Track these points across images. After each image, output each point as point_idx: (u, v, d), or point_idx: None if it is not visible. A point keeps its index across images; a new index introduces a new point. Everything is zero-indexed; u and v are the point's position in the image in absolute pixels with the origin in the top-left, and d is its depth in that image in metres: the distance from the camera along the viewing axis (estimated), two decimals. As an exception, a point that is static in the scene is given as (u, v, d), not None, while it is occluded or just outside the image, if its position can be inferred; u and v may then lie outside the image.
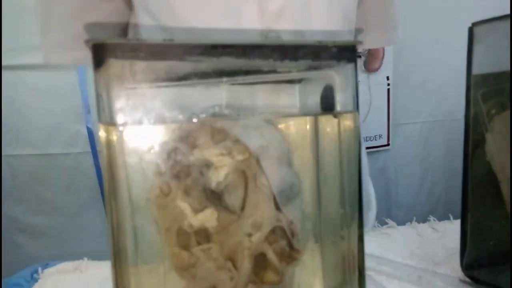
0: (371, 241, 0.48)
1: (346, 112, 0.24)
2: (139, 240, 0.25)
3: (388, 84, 1.62)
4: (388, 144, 1.68)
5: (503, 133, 0.32)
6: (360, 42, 0.24)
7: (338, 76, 0.24)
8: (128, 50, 0.20)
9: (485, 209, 0.35)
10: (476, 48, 0.34)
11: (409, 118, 1.64)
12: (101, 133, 0.20)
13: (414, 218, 0.53)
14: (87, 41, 0.19)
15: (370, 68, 1.57)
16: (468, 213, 0.36)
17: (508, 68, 0.32)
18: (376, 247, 0.45)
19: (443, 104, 1.55)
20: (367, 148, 1.63)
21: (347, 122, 0.25)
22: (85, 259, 0.44)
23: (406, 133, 1.66)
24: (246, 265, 0.26)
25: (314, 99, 0.26)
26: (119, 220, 0.24)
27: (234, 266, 0.26)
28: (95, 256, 0.45)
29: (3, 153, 1.24)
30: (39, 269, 0.42)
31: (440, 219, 0.53)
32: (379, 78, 1.60)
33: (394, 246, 0.45)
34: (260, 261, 0.26)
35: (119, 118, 0.20)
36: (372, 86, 1.60)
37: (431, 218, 0.53)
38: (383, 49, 1.56)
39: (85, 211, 1.30)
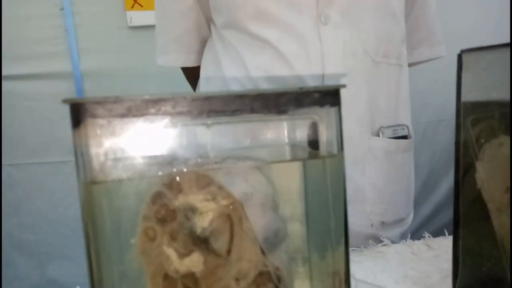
0: (366, 261, 0.47)
1: (331, 156, 0.24)
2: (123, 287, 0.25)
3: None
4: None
5: (492, 162, 0.32)
6: (344, 86, 0.23)
7: (321, 121, 0.24)
8: (106, 109, 0.19)
9: (476, 235, 0.35)
10: (465, 76, 0.33)
11: (412, 118, 1.63)
12: (80, 192, 0.20)
13: (409, 236, 0.53)
14: (64, 101, 0.19)
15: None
16: (460, 237, 0.36)
17: (497, 97, 0.31)
18: (370, 267, 0.45)
19: (448, 103, 1.53)
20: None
21: (333, 164, 0.25)
22: (78, 287, 0.44)
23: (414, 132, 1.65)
24: (234, 308, 0.25)
25: (303, 141, 0.26)
26: (101, 272, 0.23)
27: (222, 310, 0.26)
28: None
29: (2, 163, 1.24)
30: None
31: (441, 227, 0.53)
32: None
33: (388, 268, 0.45)
34: (248, 304, 0.26)
35: (98, 176, 0.20)
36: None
37: (426, 234, 0.53)
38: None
39: (81, 230, 1.29)
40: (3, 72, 1.20)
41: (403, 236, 0.60)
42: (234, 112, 0.22)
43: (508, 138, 0.31)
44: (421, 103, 1.59)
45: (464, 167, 0.35)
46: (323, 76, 0.51)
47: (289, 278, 0.26)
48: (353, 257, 0.49)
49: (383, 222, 0.56)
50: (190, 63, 0.65)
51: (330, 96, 0.23)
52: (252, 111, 0.22)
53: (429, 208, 1.64)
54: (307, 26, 0.51)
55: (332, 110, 0.23)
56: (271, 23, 0.52)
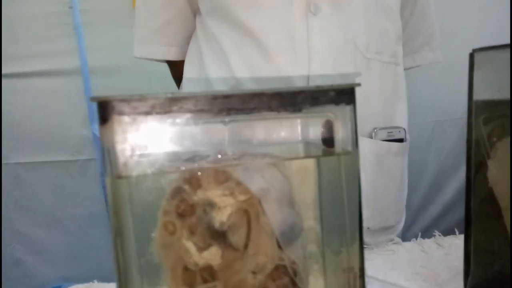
0: (376, 258, 0.48)
1: (346, 153, 0.25)
2: (146, 278, 0.26)
3: (400, 82, 1.61)
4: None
5: (504, 161, 0.33)
6: (359, 84, 0.24)
7: (337, 118, 0.25)
8: (131, 106, 0.20)
9: (488, 233, 0.35)
10: (477, 74, 0.34)
11: (421, 117, 1.61)
12: (108, 185, 0.21)
13: (420, 234, 0.54)
14: (92, 99, 0.20)
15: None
16: (471, 236, 0.36)
17: (508, 96, 0.32)
18: (380, 265, 0.46)
19: (457, 102, 1.48)
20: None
21: (348, 161, 0.25)
22: (95, 281, 0.45)
23: (419, 133, 1.63)
24: (250, 301, 0.26)
25: (318, 138, 0.27)
26: (126, 261, 0.24)
27: (239, 302, 0.26)
28: (97, 276, 0.46)
29: (9, 161, 1.25)
30: (51, 293, 0.43)
31: (451, 226, 0.53)
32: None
33: (398, 265, 0.46)
34: (264, 298, 0.27)
35: (124, 171, 0.21)
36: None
37: (436, 233, 0.54)
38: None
39: (89, 227, 1.29)
40: (12, 70, 1.21)
41: None
42: (252, 110, 0.22)
43: (520, 137, 0.31)
44: (429, 102, 1.58)
45: (475, 165, 0.35)
46: (308, 77, 0.49)
47: (305, 272, 0.26)
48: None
49: (368, 228, 0.54)
50: (170, 56, 0.61)
51: (345, 95, 0.24)
52: (269, 109, 0.23)
53: (438, 208, 1.63)
54: (296, 15, 0.49)
55: (347, 108, 0.24)
56: (259, 10, 0.49)
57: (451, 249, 0.49)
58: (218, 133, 0.25)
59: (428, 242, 0.52)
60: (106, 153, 0.20)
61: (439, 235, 0.53)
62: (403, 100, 0.60)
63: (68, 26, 1.21)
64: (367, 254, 0.49)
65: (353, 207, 0.26)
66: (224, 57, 0.52)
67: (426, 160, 1.64)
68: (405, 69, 0.63)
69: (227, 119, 0.25)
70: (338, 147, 0.25)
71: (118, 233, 0.22)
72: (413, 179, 1.78)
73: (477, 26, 1.35)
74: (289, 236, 0.25)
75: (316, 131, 0.27)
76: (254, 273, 0.26)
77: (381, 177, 0.55)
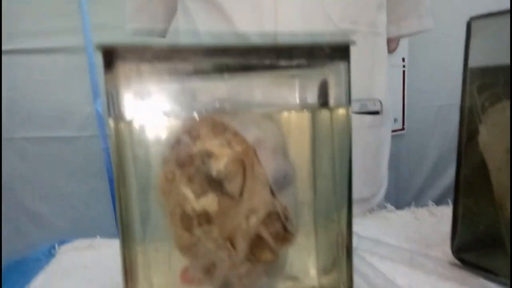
0: (369, 224, 0.50)
1: (339, 106, 0.26)
2: (146, 222, 0.28)
3: (404, 66, 1.59)
4: (403, 129, 1.66)
5: (495, 125, 0.34)
6: (354, 42, 0.25)
7: (331, 74, 0.26)
8: (135, 54, 0.21)
9: (476, 196, 0.36)
10: (473, 42, 0.34)
11: (425, 101, 1.61)
12: (110, 126, 0.22)
13: (413, 203, 0.55)
14: (97, 46, 0.21)
15: (388, 49, 1.53)
16: (460, 199, 0.38)
17: (504, 62, 0.32)
18: (373, 230, 0.47)
19: (460, 87, 1.49)
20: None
21: (340, 116, 0.27)
22: (98, 237, 0.47)
23: (422, 117, 1.63)
24: (243, 245, 0.28)
25: (313, 93, 0.28)
26: (127, 204, 0.26)
27: (233, 246, 0.28)
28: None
29: (15, 136, 1.27)
30: (56, 246, 0.45)
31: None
32: (394, 59, 1.57)
33: (390, 230, 0.47)
34: (256, 242, 0.28)
35: (127, 114, 0.22)
36: (389, 68, 1.57)
37: (430, 202, 0.55)
38: (400, 29, 1.54)
39: (93, 202, 1.32)
40: (18, 46, 1.22)
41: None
42: (249, 63, 0.23)
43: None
44: (434, 86, 1.57)
45: (468, 132, 0.36)
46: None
47: (296, 219, 0.28)
48: (357, 221, 0.51)
49: None
50: (157, 34, 0.61)
51: (340, 51, 0.25)
52: (267, 62, 0.24)
53: (438, 191, 1.65)
54: None
55: (342, 65, 0.25)
56: None
57: (443, 217, 0.51)
58: (218, 88, 0.27)
59: (421, 210, 0.53)
60: (109, 98, 0.22)
61: (432, 204, 0.54)
62: (382, 72, 0.58)
63: (73, 3, 1.21)
64: (360, 220, 0.51)
65: (344, 161, 0.27)
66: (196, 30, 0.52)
67: (429, 144, 1.65)
68: (391, 38, 0.61)
69: (226, 74, 0.27)
70: (331, 102, 0.26)
71: (120, 180, 0.24)
72: (415, 162, 1.78)
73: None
74: (281, 183, 0.27)
75: (313, 94, 0.28)
76: (247, 219, 0.28)
77: (354, 149, 0.55)
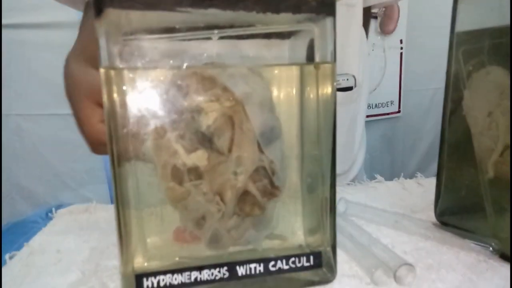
0: (358, 193, 0.51)
1: (324, 62, 0.27)
2: (139, 180, 0.29)
3: (401, 48, 1.59)
4: (399, 111, 1.67)
5: (479, 89, 0.35)
6: (339, -3, 0.26)
7: (317, 29, 0.26)
8: (124, 0, 0.22)
9: (459, 160, 0.37)
10: (460, 6, 0.35)
11: (421, 84, 1.61)
12: (101, 76, 0.23)
13: (402, 174, 0.56)
14: (87, -8, 0.22)
15: (385, 30, 1.53)
16: (444, 164, 0.39)
17: (489, 25, 0.33)
18: (362, 198, 0.49)
19: None
20: (378, 115, 1.62)
21: (326, 72, 0.27)
22: (94, 202, 0.48)
23: (418, 100, 1.63)
24: (232, 199, 0.29)
25: (300, 48, 0.29)
26: (120, 160, 0.27)
27: (222, 200, 0.29)
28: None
29: (13, 112, 1.26)
30: (53, 210, 0.46)
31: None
32: (392, 41, 1.56)
33: (378, 198, 0.49)
34: (244, 197, 0.30)
35: (117, 62, 0.23)
36: (386, 50, 1.57)
37: (418, 174, 0.56)
38: (398, 9, 1.53)
39: (87, 183, 1.31)
40: (13, 21, 1.20)
41: None
42: (236, 10, 0.24)
43: (495, 68, 0.33)
44: (430, 69, 1.57)
45: (453, 97, 0.37)
46: None
47: (283, 173, 0.29)
48: (346, 190, 0.52)
49: None
50: None
51: (326, 6, 0.25)
52: (253, 14, 0.24)
53: (432, 173, 1.66)
54: None
55: (328, 20, 0.26)
56: None
57: (430, 187, 0.52)
58: (207, 42, 0.27)
59: (409, 181, 0.55)
60: (99, 45, 0.22)
61: (421, 176, 0.56)
62: (356, 45, 0.56)
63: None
64: (349, 189, 0.53)
65: (329, 116, 0.28)
66: None
67: (424, 127, 1.66)
68: (365, 7, 0.59)
69: (216, 31, 0.27)
70: (317, 58, 0.27)
71: (113, 133, 0.24)
72: (411, 144, 1.79)
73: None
74: (268, 136, 0.27)
75: (300, 49, 0.29)
76: (235, 174, 0.29)
77: None
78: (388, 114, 1.67)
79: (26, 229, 0.41)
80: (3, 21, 1.19)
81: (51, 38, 1.23)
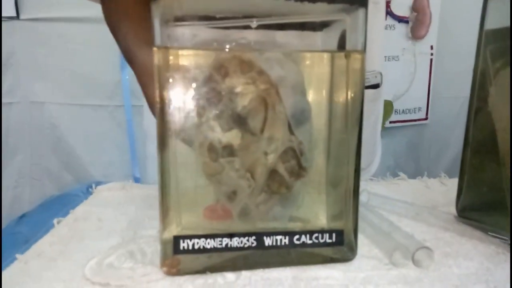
0: (380, 188, 0.52)
1: (354, 51, 0.29)
2: (180, 156, 0.31)
3: (432, 54, 1.57)
4: (426, 118, 1.65)
5: (505, 86, 0.35)
6: (372, -9, 0.28)
7: (350, 19, 0.28)
8: (178, -13, 0.25)
9: (482, 157, 0.38)
10: (490, 4, 0.36)
11: (450, 91, 1.59)
12: (154, 54, 0.26)
13: (426, 173, 0.57)
14: (146, -22, 0.24)
15: (416, 35, 1.52)
16: (467, 161, 0.40)
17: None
18: (384, 193, 0.50)
19: None
20: (404, 121, 1.61)
21: (355, 61, 0.29)
22: (131, 181, 0.52)
23: (446, 108, 1.61)
24: (261, 177, 0.31)
25: (333, 37, 0.31)
26: (166, 133, 0.30)
27: (252, 177, 0.32)
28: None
29: (44, 100, 1.32)
30: (93, 185, 0.50)
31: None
32: (423, 46, 1.55)
33: (400, 194, 0.50)
34: (273, 175, 0.32)
35: (168, 42, 0.26)
36: (416, 55, 1.56)
37: (442, 174, 0.57)
38: (430, 15, 1.51)
39: (111, 175, 1.33)
40: (51, 14, 1.26)
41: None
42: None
43: (523, 66, 0.34)
44: (460, 77, 1.54)
45: (479, 94, 0.38)
46: None
47: (310, 154, 0.31)
48: (369, 184, 0.54)
49: None
50: None
51: (358, -2, 0.27)
52: (290, 3, 0.26)
53: (457, 177, 1.62)
54: None
55: (360, 11, 0.28)
56: None
57: (453, 187, 0.52)
58: (247, 29, 0.30)
59: (432, 180, 0.56)
60: (155, 25, 0.25)
61: (445, 176, 0.56)
62: (379, 42, 0.57)
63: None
64: (373, 185, 0.54)
65: (357, 103, 0.30)
66: None
67: (451, 136, 1.63)
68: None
69: (254, 20, 0.30)
70: (348, 46, 0.29)
71: (161, 108, 0.27)
72: (436, 154, 1.75)
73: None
74: (298, 118, 0.30)
75: (333, 38, 0.31)
76: (266, 154, 0.31)
77: None
78: (415, 120, 1.65)
79: (69, 200, 0.44)
80: (42, 15, 1.26)
81: (83, 32, 1.28)
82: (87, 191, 0.49)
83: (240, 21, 0.30)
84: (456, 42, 1.52)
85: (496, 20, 0.36)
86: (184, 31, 0.27)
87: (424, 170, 1.68)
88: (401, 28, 1.54)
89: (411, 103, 1.62)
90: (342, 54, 0.29)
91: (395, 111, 1.59)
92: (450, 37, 1.54)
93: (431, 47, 1.57)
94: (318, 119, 0.31)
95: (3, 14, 1.24)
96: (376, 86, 0.56)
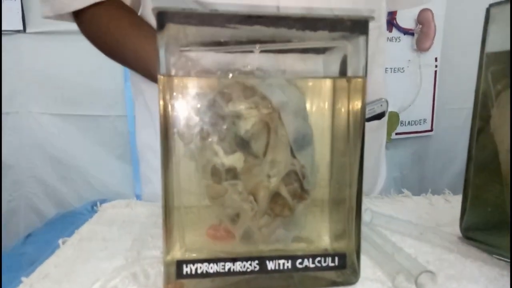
0: (384, 205, 0.52)
1: (356, 77, 0.29)
2: (182, 179, 0.31)
3: (436, 66, 1.58)
4: (431, 130, 1.65)
5: (506, 108, 0.36)
6: (373, 18, 0.28)
7: (351, 46, 0.29)
8: (183, 17, 0.25)
9: (485, 177, 0.38)
10: (491, 28, 0.36)
11: (455, 103, 1.59)
12: (159, 82, 0.27)
13: (430, 190, 0.57)
14: (153, 9, 0.25)
15: (421, 47, 1.53)
16: (470, 181, 0.40)
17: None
18: (388, 210, 0.50)
19: None
20: (409, 133, 1.61)
21: (357, 86, 0.30)
22: (135, 198, 0.52)
23: (451, 119, 1.61)
24: (264, 200, 0.32)
25: (334, 63, 0.31)
26: (169, 158, 0.30)
27: (255, 200, 0.32)
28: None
29: (51, 112, 1.33)
30: (98, 203, 0.50)
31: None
32: (427, 59, 1.56)
33: (405, 212, 0.50)
34: (276, 198, 0.32)
35: (173, 70, 0.26)
36: (421, 67, 1.56)
37: (446, 191, 0.57)
38: (435, 27, 1.52)
39: (113, 186, 1.35)
40: (52, 28, 1.28)
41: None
42: (278, 27, 0.27)
43: (524, 88, 0.34)
44: (464, 88, 1.54)
45: (481, 115, 0.38)
46: None
47: (312, 179, 0.31)
48: (373, 202, 0.54)
49: None
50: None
51: (360, 25, 0.28)
52: (292, 31, 0.27)
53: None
54: None
55: (361, 38, 0.28)
56: None
57: (457, 204, 0.52)
58: (251, 55, 0.30)
59: (436, 197, 0.55)
60: (160, 55, 0.26)
61: (449, 193, 0.56)
62: (382, 65, 0.56)
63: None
64: (376, 201, 0.54)
65: (358, 128, 0.30)
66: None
67: (456, 147, 1.62)
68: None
69: (257, 45, 0.30)
70: (350, 73, 0.29)
71: (165, 131, 0.28)
72: (442, 165, 1.74)
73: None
74: (300, 143, 0.30)
75: (334, 64, 0.32)
76: (269, 177, 0.32)
77: None
78: (420, 132, 1.65)
79: (74, 219, 0.45)
80: (45, 28, 1.27)
81: (82, 44, 1.29)
82: (92, 209, 0.49)
83: (244, 47, 0.30)
84: (460, 53, 1.52)
85: (497, 43, 0.36)
86: (189, 58, 0.27)
87: (429, 181, 1.67)
88: (407, 40, 1.55)
89: (416, 115, 1.62)
90: (343, 79, 0.30)
91: (401, 123, 1.60)
92: (454, 49, 1.55)
93: (436, 59, 1.58)
94: (321, 143, 0.31)
95: (11, 28, 1.27)
96: (381, 116, 0.54)
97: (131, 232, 0.42)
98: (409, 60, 1.56)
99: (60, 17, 0.52)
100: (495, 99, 0.37)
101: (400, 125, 1.59)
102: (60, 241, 0.39)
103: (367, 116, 0.52)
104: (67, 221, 0.45)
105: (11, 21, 1.27)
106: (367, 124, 0.54)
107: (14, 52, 1.28)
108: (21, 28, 1.28)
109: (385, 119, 0.58)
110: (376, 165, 0.62)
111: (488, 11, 0.36)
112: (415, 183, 1.68)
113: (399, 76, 1.55)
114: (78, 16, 0.51)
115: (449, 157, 1.67)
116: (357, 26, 0.28)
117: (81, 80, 1.33)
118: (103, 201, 0.51)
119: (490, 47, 0.37)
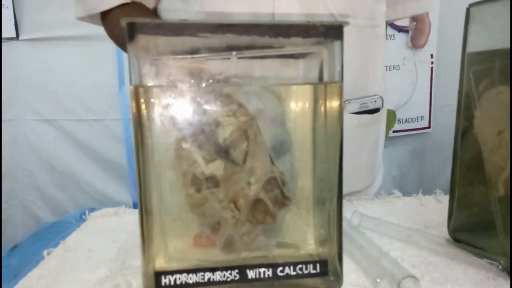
0: (374, 207, 0.52)
1: (332, 82, 0.29)
2: (162, 188, 0.31)
3: (432, 63, 1.57)
4: (429, 127, 1.64)
5: (489, 109, 0.35)
6: (347, 23, 0.28)
7: (326, 51, 0.29)
8: (153, 28, 0.25)
9: (471, 179, 0.38)
10: (471, 27, 0.36)
11: (452, 99, 1.57)
12: (131, 92, 0.26)
13: (421, 190, 0.57)
14: (122, 21, 0.25)
15: (416, 44, 1.52)
16: (456, 182, 0.39)
17: (499, 47, 0.34)
18: (378, 212, 0.50)
19: None
20: (407, 130, 1.60)
21: (333, 91, 0.30)
22: (123, 206, 0.52)
23: (449, 116, 1.60)
24: (245, 207, 0.31)
25: (315, 73, 0.31)
26: (145, 168, 0.30)
27: (236, 207, 0.32)
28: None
29: (46, 118, 1.33)
30: (86, 212, 0.50)
31: None
32: (422, 55, 1.55)
33: (395, 213, 0.49)
34: (257, 205, 0.32)
35: (145, 80, 0.26)
36: (417, 64, 1.56)
37: (437, 191, 0.56)
38: (430, 24, 1.51)
39: (108, 191, 1.35)
40: (45, 35, 1.29)
41: None
42: (250, 35, 0.27)
43: (505, 88, 0.34)
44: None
45: (465, 116, 0.38)
46: None
47: (293, 185, 0.31)
48: (363, 204, 0.53)
49: None
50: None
51: (334, 30, 0.28)
52: (267, 37, 0.27)
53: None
54: None
55: (336, 43, 0.28)
56: None
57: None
58: (225, 63, 0.30)
59: (427, 197, 0.55)
60: (130, 65, 0.26)
61: (440, 193, 0.56)
62: (381, 65, 0.57)
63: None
64: (366, 203, 0.54)
65: (336, 132, 0.30)
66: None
67: (447, 142, 1.61)
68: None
69: (234, 53, 0.30)
70: (325, 78, 0.29)
71: (139, 143, 0.27)
72: (440, 162, 1.73)
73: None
74: (278, 149, 0.30)
75: (308, 70, 0.31)
76: (249, 184, 0.31)
77: (351, 147, 0.50)
78: (417, 129, 1.64)
79: (62, 228, 0.45)
80: (40, 35, 1.27)
81: (84, 50, 1.29)
82: (81, 218, 0.49)
83: (220, 54, 0.30)
84: (456, 49, 1.51)
85: (478, 43, 0.36)
86: (163, 66, 0.27)
87: (429, 178, 1.66)
88: (401, 37, 1.54)
89: (413, 112, 1.62)
90: (320, 85, 0.29)
91: (398, 121, 1.59)
92: (449, 45, 1.54)
93: (431, 56, 1.57)
94: (301, 149, 0.31)
95: (4, 35, 1.27)
96: (375, 111, 0.54)
97: (117, 241, 0.42)
98: (405, 58, 1.56)
99: (91, 19, 0.56)
100: (477, 100, 0.36)
101: (398, 123, 1.59)
102: (45, 252, 0.39)
103: (359, 110, 0.52)
104: (55, 231, 0.45)
105: (4, 28, 1.27)
106: (358, 118, 0.54)
107: (7, 59, 1.29)
108: (14, 35, 1.28)
109: (379, 116, 0.57)
110: (370, 163, 0.61)
111: (468, 10, 0.36)
112: (415, 181, 1.68)
113: (394, 74, 1.54)
114: (104, 18, 0.54)
115: (448, 153, 1.66)
116: (331, 32, 0.28)
117: (75, 85, 1.33)
118: (91, 209, 0.51)
119: (472, 47, 0.36)
